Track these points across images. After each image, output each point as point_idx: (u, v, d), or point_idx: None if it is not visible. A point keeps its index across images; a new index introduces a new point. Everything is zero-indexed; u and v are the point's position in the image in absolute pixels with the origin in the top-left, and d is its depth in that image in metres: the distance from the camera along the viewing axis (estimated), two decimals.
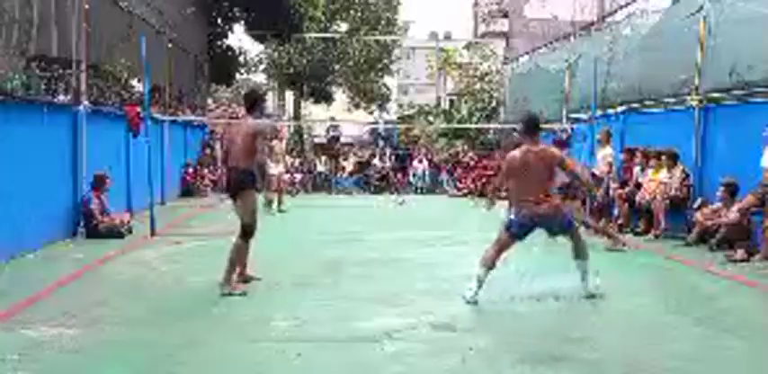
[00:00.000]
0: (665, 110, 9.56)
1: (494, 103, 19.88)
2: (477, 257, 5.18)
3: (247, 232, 5.35)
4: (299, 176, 16.30)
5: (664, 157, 8.53)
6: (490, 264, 5.10)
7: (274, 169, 11.32)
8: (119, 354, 3.80)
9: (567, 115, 12.84)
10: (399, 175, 16.56)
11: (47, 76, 7.30)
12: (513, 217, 5.26)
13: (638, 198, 8.80)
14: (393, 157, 17.58)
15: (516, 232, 5.16)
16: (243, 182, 5.32)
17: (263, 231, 5.63)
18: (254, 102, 5.61)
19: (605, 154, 8.93)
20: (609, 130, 9.21)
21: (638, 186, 8.98)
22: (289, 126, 24.33)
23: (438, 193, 16.31)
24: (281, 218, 10.34)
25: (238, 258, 5.41)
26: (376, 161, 17.45)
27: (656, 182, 8.58)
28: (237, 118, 21.31)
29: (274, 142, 11.95)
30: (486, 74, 22.11)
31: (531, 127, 5.31)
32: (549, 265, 6.13)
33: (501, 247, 5.17)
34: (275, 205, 9.99)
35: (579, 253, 5.29)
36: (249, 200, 5.34)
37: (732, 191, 7.35)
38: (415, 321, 4.48)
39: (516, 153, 5.23)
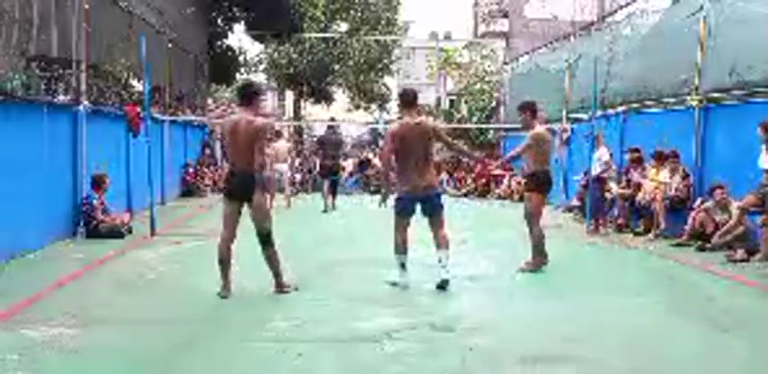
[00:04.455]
0: (665, 110, 9.56)
1: (494, 103, 19.86)
2: (475, 256, 5.18)
3: (268, 240, 5.12)
4: (298, 176, 16.29)
5: (669, 158, 8.53)
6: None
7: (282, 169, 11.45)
8: (119, 354, 3.79)
9: (567, 115, 12.85)
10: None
11: (47, 76, 7.29)
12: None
13: (638, 198, 8.81)
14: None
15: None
16: (254, 187, 5.01)
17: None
18: (251, 95, 5.14)
19: (599, 154, 8.96)
20: (599, 132, 9.25)
21: (639, 186, 8.99)
22: (288, 126, 24.29)
23: None
24: (281, 217, 10.30)
25: (278, 263, 5.23)
26: (376, 161, 17.41)
27: (656, 182, 8.58)
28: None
29: (281, 141, 11.95)
30: (487, 73, 22.08)
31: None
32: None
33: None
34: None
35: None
36: (264, 203, 5.16)
37: (725, 192, 7.39)
38: (414, 321, 4.47)
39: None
